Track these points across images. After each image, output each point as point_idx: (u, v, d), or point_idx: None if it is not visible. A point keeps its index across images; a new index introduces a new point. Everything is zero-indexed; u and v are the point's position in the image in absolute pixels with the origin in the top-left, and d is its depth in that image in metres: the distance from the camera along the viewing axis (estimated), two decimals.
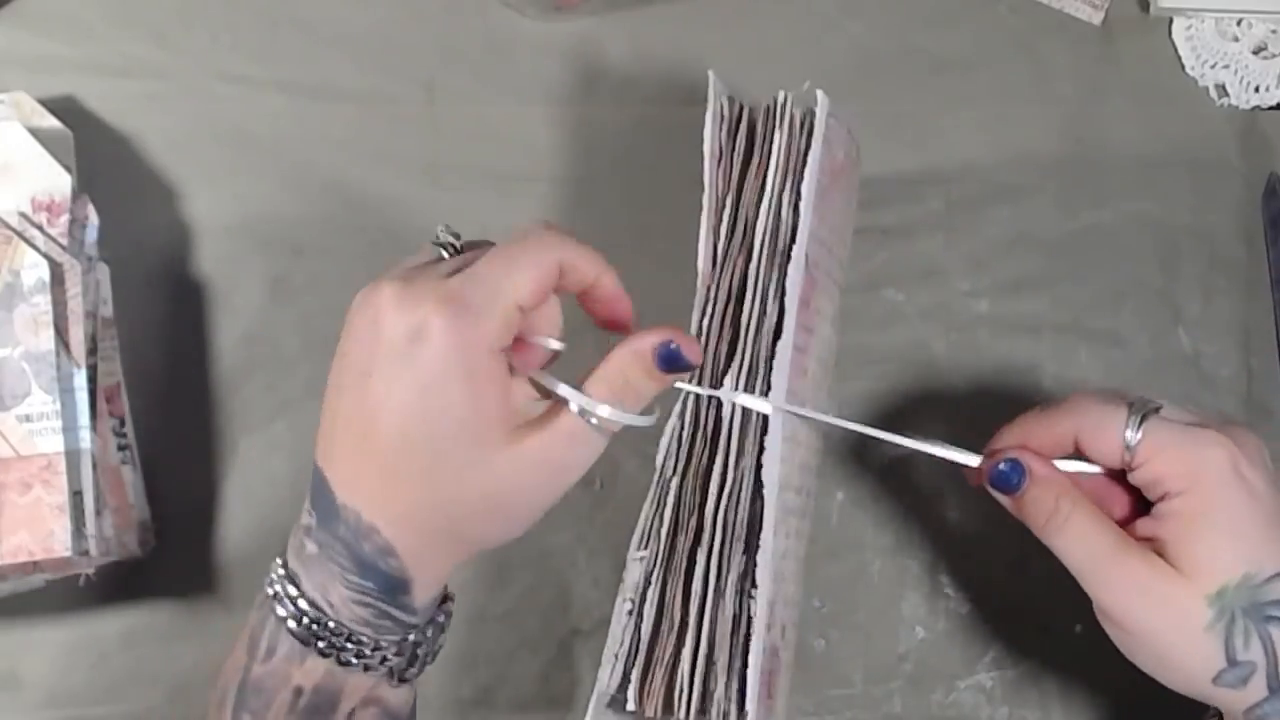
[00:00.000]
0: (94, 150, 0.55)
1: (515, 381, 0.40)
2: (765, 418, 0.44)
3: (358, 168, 0.57)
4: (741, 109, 0.46)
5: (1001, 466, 0.43)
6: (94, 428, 0.50)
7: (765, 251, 0.45)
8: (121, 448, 0.52)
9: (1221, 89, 0.59)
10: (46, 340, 0.49)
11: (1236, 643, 0.41)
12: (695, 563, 0.43)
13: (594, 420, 0.39)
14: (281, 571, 0.40)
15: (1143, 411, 0.42)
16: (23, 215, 0.50)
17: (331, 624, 0.39)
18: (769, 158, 0.45)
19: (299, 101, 0.57)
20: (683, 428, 0.44)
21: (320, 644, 0.39)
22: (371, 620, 0.39)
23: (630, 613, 0.43)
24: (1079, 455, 0.43)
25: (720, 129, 0.46)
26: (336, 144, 0.57)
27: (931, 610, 0.55)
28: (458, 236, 0.42)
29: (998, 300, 0.58)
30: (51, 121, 0.53)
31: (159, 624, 0.55)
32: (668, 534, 0.43)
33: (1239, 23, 0.59)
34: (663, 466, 0.44)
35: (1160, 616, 0.41)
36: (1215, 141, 0.59)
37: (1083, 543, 0.42)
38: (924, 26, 0.59)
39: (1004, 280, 0.58)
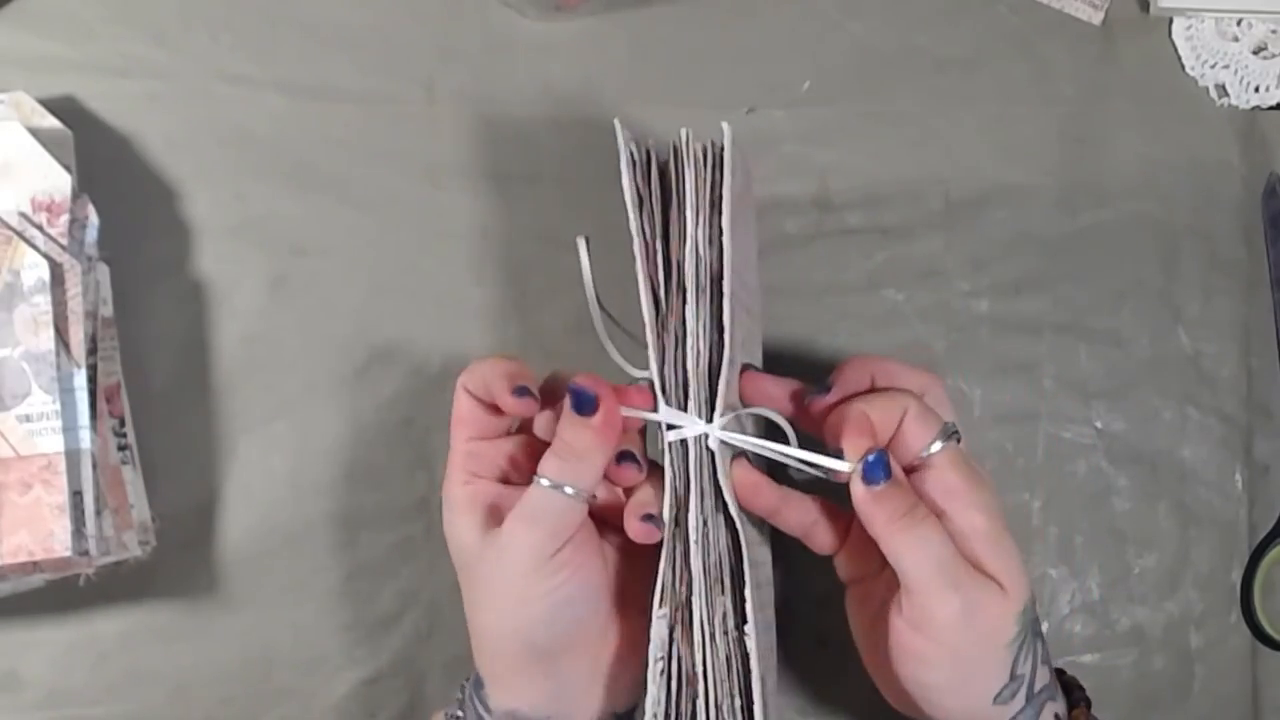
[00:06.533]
0: (94, 150, 0.54)
1: (509, 492, 0.45)
2: (713, 453, 0.44)
3: (358, 168, 0.57)
4: (649, 152, 0.46)
5: (872, 459, 0.43)
6: (94, 428, 0.50)
7: (694, 289, 0.44)
8: (121, 448, 0.52)
9: (1221, 89, 0.59)
10: (46, 340, 0.49)
11: (1020, 657, 0.41)
12: (693, 613, 0.43)
13: (544, 482, 0.43)
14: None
15: (949, 435, 0.44)
16: (23, 215, 0.50)
17: None
18: (684, 196, 0.45)
19: (299, 101, 0.57)
20: (674, 477, 0.44)
21: None
22: None
23: (662, 673, 0.43)
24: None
25: (635, 174, 0.45)
26: (336, 144, 0.57)
27: None
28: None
29: (998, 300, 0.58)
30: (51, 121, 0.53)
31: (159, 624, 0.55)
32: (675, 587, 0.44)
33: (1239, 23, 0.59)
34: (669, 520, 0.44)
35: (976, 629, 0.41)
36: (1215, 141, 0.59)
37: (929, 547, 0.42)
38: (924, 26, 0.59)
39: (1004, 280, 0.58)
